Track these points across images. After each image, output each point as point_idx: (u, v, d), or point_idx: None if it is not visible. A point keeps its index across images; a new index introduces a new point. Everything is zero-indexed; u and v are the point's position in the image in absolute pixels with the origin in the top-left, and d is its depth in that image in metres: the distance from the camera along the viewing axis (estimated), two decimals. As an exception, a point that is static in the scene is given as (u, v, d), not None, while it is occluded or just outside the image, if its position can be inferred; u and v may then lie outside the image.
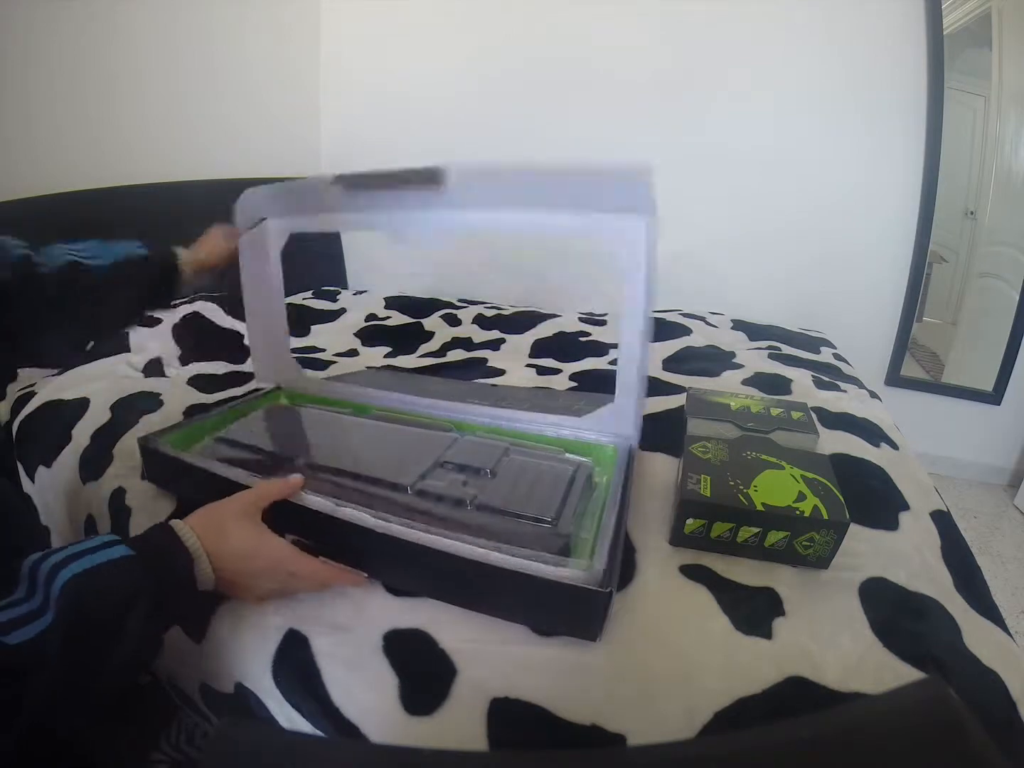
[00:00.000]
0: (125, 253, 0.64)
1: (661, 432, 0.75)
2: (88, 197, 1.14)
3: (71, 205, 1.10)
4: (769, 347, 1.19)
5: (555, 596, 0.43)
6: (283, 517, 0.50)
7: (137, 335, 1.09)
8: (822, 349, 1.20)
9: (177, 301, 1.23)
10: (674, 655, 0.46)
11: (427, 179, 0.59)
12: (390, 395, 0.79)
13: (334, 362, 1.14)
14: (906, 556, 0.57)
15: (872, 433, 0.81)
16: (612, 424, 0.66)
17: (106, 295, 0.62)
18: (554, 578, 0.42)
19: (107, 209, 1.17)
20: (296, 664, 0.48)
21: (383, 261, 2.00)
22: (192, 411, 0.85)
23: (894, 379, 1.70)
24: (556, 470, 0.60)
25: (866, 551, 0.57)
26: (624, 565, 0.52)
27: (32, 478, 0.82)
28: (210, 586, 0.44)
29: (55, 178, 1.10)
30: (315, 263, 1.83)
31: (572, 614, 0.45)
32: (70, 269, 0.59)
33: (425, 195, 0.60)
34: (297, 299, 1.59)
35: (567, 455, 0.66)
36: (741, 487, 0.55)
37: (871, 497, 0.65)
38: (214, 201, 1.39)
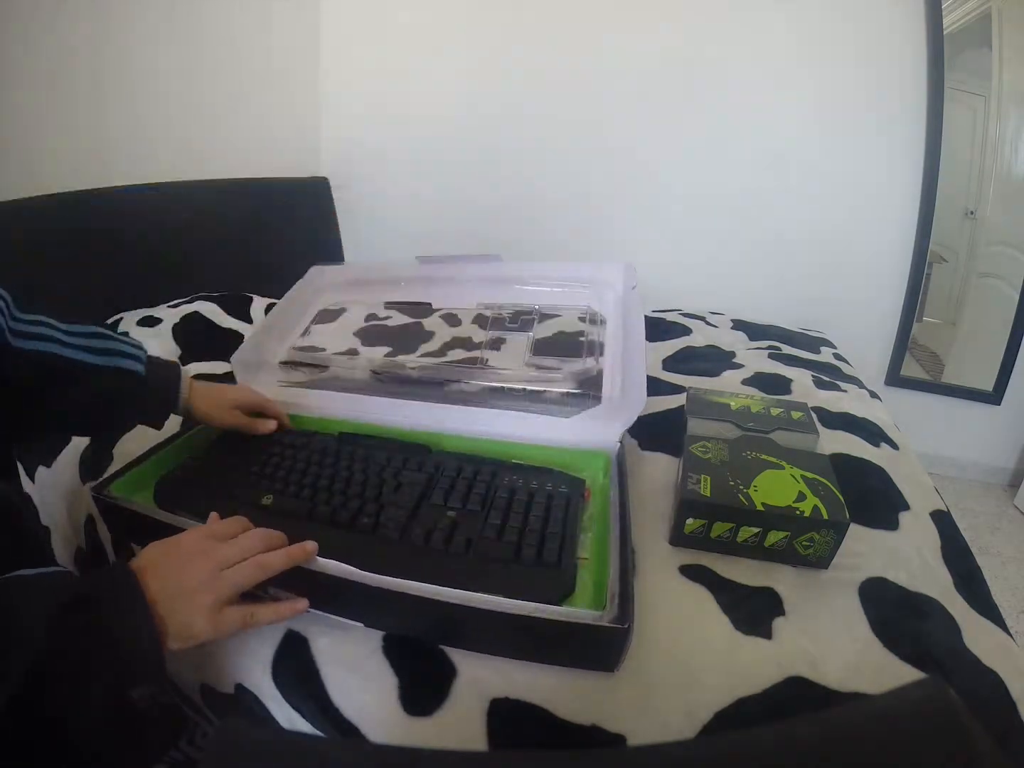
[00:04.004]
0: (116, 363, 0.56)
1: (661, 432, 0.75)
2: (78, 199, 1.12)
3: (61, 207, 1.09)
4: (769, 347, 1.18)
5: (568, 637, 0.42)
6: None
7: (137, 335, 1.09)
8: (822, 349, 1.20)
9: (177, 300, 1.23)
10: (674, 655, 0.46)
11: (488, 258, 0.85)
12: (352, 399, 0.74)
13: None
14: (906, 556, 0.58)
15: (872, 433, 0.80)
16: (599, 431, 0.64)
17: (78, 400, 0.54)
18: (566, 619, 0.41)
19: (98, 211, 1.17)
20: (296, 665, 0.48)
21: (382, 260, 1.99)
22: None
23: (894, 379, 1.70)
24: (550, 499, 0.54)
25: (866, 551, 0.57)
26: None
27: (32, 478, 0.82)
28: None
29: (43, 179, 1.09)
30: (315, 263, 1.83)
31: (587, 651, 0.44)
32: (44, 356, 0.51)
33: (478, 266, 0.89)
34: (297, 299, 1.59)
35: (555, 472, 0.60)
36: (741, 487, 0.55)
37: (871, 497, 0.65)
38: (210, 202, 1.39)
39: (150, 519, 0.52)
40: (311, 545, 0.45)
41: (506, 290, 0.90)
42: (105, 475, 0.59)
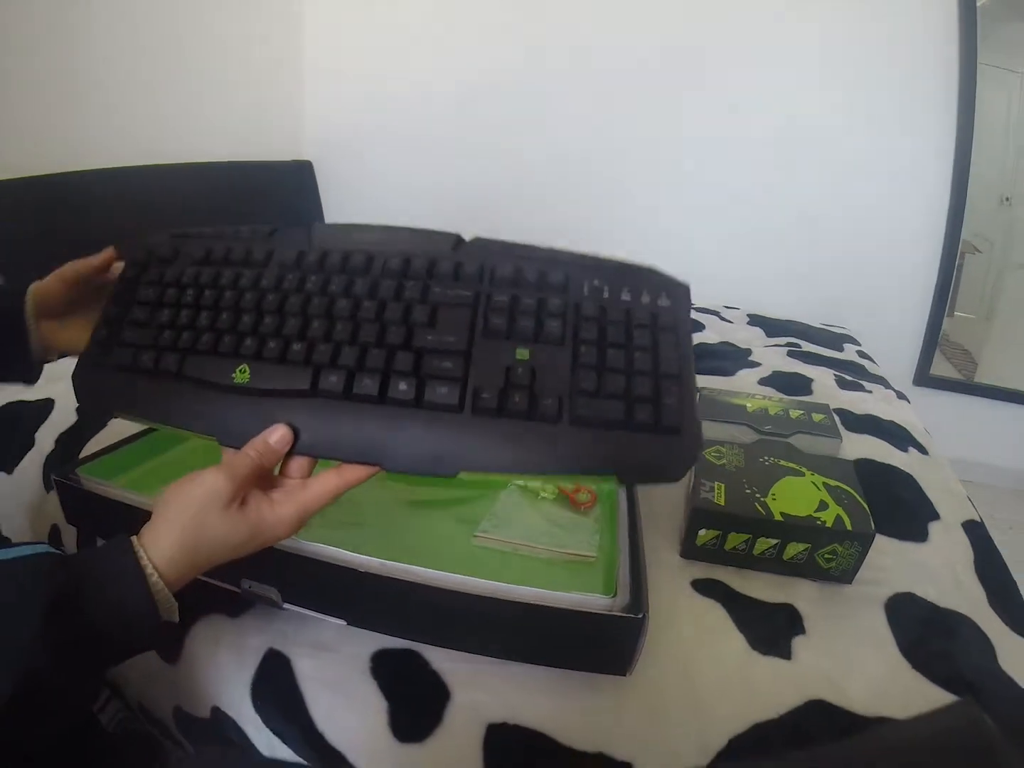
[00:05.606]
0: None
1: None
2: (35, 184, 1.11)
3: (21, 193, 1.08)
4: (788, 344, 1.19)
5: (575, 629, 0.42)
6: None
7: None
8: (845, 346, 1.21)
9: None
10: (685, 676, 0.46)
11: None
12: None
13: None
14: (936, 570, 0.58)
15: (900, 437, 0.81)
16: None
17: None
18: (571, 607, 0.40)
19: (66, 197, 1.16)
20: (277, 687, 0.48)
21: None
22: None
23: (923, 378, 1.71)
24: (655, 319, 0.42)
25: (893, 565, 0.57)
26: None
27: (-10, 486, 0.81)
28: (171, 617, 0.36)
29: (2, 162, 1.08)
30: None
31: (596, 647, 0.43)
32: None
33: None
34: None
35: (644, 271, 0.46)
36: (758, 495, 0.55)
37: (898, 506, 0.66)
38: (180, 188, 1.38)
39: (127, 508, 0.47)
40: (278, 435, 0.37)
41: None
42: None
